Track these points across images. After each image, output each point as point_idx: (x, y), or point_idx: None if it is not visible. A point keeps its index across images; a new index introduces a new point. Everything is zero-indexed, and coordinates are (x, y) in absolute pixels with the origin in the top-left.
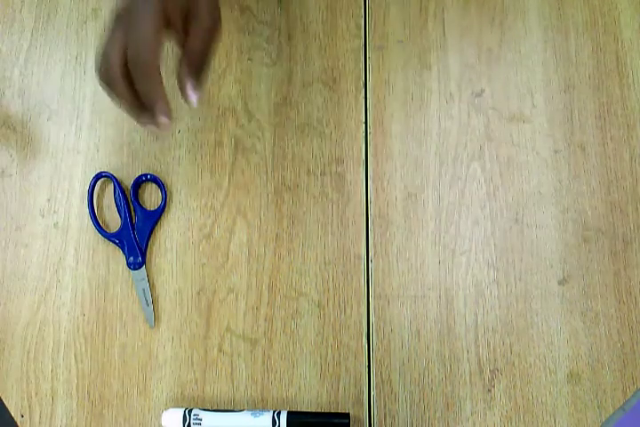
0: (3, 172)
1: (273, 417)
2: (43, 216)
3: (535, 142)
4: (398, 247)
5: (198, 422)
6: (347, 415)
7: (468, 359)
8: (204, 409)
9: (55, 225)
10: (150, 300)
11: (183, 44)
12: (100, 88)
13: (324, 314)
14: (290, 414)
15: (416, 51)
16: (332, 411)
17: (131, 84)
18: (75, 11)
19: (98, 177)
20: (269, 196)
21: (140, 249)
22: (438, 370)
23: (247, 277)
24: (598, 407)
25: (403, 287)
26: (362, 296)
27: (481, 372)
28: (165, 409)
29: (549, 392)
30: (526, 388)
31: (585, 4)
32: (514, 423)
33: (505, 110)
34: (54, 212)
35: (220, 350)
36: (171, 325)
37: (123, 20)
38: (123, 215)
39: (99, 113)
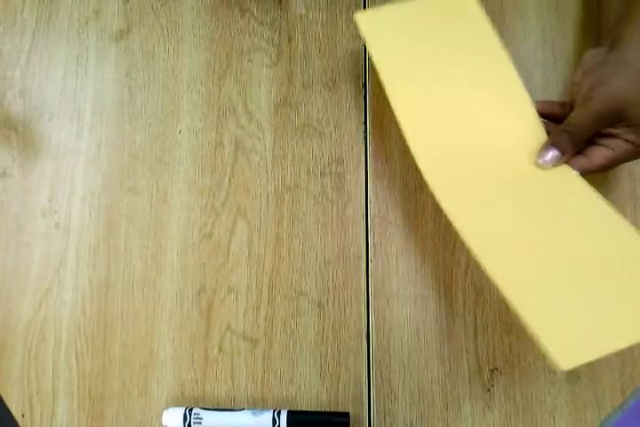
0: (4, 172)
1: (273, 416)
2: (44, 216)
3: None
4: (398, 247)
5: (199, 421)
6: (346, 415)
7: (467, 359)
8: (205, 408)
9: (56, 225)
10: None
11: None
12: (101, 88)
13: (324, 314)
14: (290, 413)
15: None
16: (332, 410)
17: None
18: (76, 12)
19: None
20: (269, 196)
21: None
22: (438, 369)
23: (247, 276)
24: (597, 407)
25: (403, 287)
26: (362, 296)
27: (480, 371)
28: (166, 408)
29: (548, 391)
30: (525, 387)
31: (583, 5)
32: (513, 423)
33: None
34: (55, 212)
35: (220, 349)
36: (171, 324)
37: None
38: None
39: (100, 114)
